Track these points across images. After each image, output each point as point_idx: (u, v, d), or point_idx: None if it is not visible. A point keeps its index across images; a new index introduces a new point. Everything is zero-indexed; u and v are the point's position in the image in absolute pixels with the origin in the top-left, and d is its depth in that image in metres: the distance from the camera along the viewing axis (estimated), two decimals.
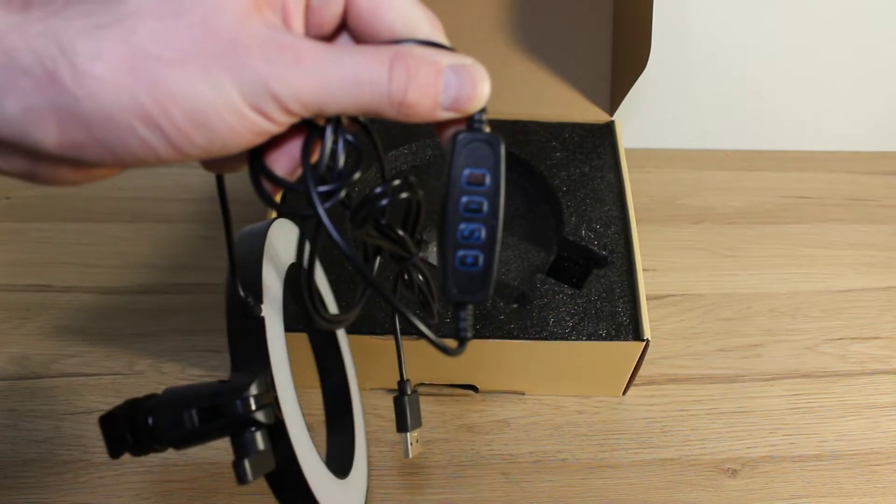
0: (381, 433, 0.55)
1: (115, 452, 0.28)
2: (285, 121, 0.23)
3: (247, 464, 0.27)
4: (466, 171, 0.25)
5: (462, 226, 0.25)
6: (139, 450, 0.28)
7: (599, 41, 0.67)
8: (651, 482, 0.53)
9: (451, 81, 0.24)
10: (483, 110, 0.26)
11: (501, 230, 0.26)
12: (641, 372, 0.55)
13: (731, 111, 0.78)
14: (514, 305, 0.54)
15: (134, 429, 0.28)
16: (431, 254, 0.58)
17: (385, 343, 0.51)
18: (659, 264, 0.67)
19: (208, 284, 0.64)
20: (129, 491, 0.51)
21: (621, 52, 0.65)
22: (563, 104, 0.67)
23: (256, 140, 0.23)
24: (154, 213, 0.69)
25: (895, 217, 0.73)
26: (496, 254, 0.26)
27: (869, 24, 0.71)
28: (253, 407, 0.28)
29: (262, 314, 0.32)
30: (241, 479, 0.27)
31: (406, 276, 0.33)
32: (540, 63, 0.67)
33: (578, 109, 0.67)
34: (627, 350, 0.52)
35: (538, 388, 0.57)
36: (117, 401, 0.57)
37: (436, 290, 0.34)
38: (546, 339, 0.52)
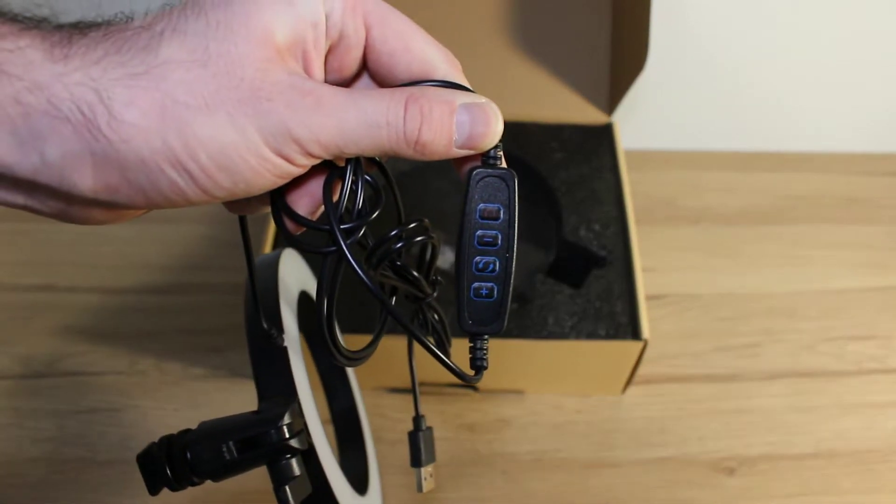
0: (382, 433, 0.55)
1: (153, 489, 0.29)
2: (306, 163, 0.24)
3: (288, 490, 0.28)
4: (481, 206, 0.27)
5: (477, 258, 0.27)
6: (178, 484, 0.29)
7: (598, 42, 0.68)
8: (649, 480, 0.54)
9: (465, 120, 0.25)
10: (498, 146, 0.27)
11: (515, 262, 0.27)
12: (640, 371, 0.55)
13: (730, 112, 0.78)
14: (514, 305, 0.54)
15: (172, 464, 0.29)
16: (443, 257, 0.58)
17: (386, 343, 0.52)
18: (657, 264, 0.68)
19: (210, 284, 0.64)
20: (131, 489, 0.52)
21: (620, 53, 0.66)
22: (562, 105, 0.67)
23: (278, 182, 0.24)
24: (156, 214, 0.69)
25: (892, 217, 0.73)
26: (510, 285, 0.27)
27: (868, 24, 0.71)
28: (287, 435, 0.29)
29: (285, 343, 0.33)
30: (282, 502, 0.28)
31: (421, 316, 0.34)
32: (539, 64, 0.68)
33: (577, 111, 0.67)
34: (626, 349, 0.53)
35: (538, 387, 0.58)
36: (120, 399, 0.58)
37: (450, 329, 0.35)
38: (545, 338, 0.52)
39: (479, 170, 0.26)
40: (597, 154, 0.65)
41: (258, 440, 0.29)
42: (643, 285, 0.55)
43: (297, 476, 0.29)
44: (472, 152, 0.26)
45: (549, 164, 0.64)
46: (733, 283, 0.67)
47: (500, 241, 0.27)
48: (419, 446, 0.38)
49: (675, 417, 0.57)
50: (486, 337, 0.28)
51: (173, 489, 0.29)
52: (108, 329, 0.61)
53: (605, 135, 0.66)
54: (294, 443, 0.29)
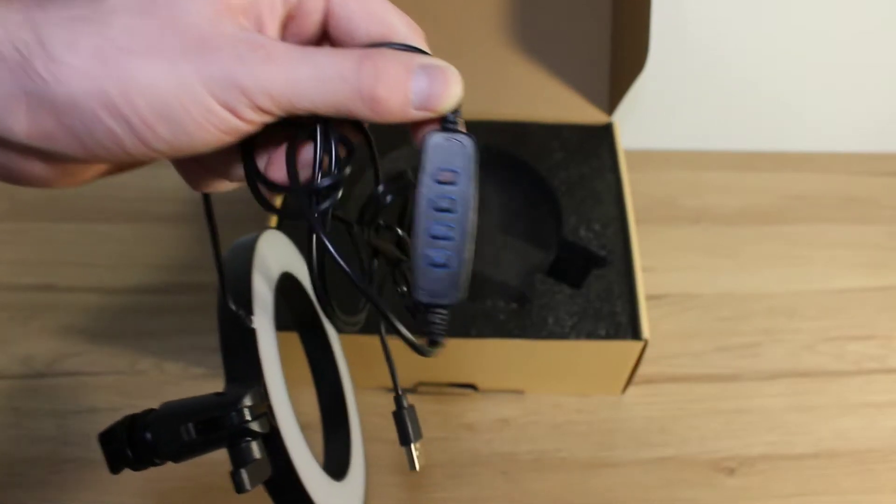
0: (381, 432, 0.55)
1: (114, 468, 0.29)
2: (256, 118, 0.23)
3: (244, 473, 0.28)
4: (438, 170, 0.25)
5: (432, 225, 0.25)
6: (139, 464, 0.29)
7: (598, 42, 0.68)
8: (649, 480, 0.54)
9: (422, 80, 0.24)
10: (457, 112, 0.26)
11: (474, 230, 0.25)
12: (640, 371, 0.55)
13: (730, 112, 0.78)
14: (514, 305, 0.54)
15: (133, 444, 0.29)
16: None
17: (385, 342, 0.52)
18: (657, 264, 0.68)
19: (210, 284, 0.64)
20: (131, 489, 0.52)
21: (620, 53, 0.66)
22: (563, 105, 0.67)
23: (225, 139, 0.24)
24: (156, 214, 0.70)
25: (892, 217, 0.73)
26: (468, 254, 0.25)
27: (867, 24, 0.71)
28: (247, 417, 0.28)
29: (254, 325, 0.33)
30: (238, 487, 0.28)
31: (401, 281, 0.33)
32: (539, 64, 0.68)
33: (577, 110, 0.67)
34: (626, 349, 0.53)
35: (537, 387, 0.58)
36: (120, 400, 0.58)
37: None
38: (545, 338, 0.52)
39: (437, 133, 0.25)
40: (597, 154, 0.65)
41: (217, 422, 0.28)
42: (643, 285, 0.55)
43: (257, 459, 0.28)
44: (429, 115, 0.25)
45: (549, 164, 0.64)
46: (733, 283, 0.67)
47: (458, 208, 0.25)
48: (405, 424, 0.38)
49: (675, 417, 0.57)
50: (442, 310, 0.26)
51: (135, 469, 0.29)
52: (108, 329, 0.61)
53: (605, 135, 0.66)
54: (254, 426, 0.29)
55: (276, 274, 0.39)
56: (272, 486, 0.32)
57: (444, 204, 0.25)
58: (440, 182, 0.25)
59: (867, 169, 0.78)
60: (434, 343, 0.26)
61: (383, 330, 0.36)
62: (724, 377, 0.60)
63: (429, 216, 0.25)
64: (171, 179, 0.74)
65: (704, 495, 0.53)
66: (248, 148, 0.26)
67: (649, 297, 0.63)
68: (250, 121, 0.23)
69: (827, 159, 0.79)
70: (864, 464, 0.55)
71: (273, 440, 0.31)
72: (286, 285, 0.40)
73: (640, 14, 0.59)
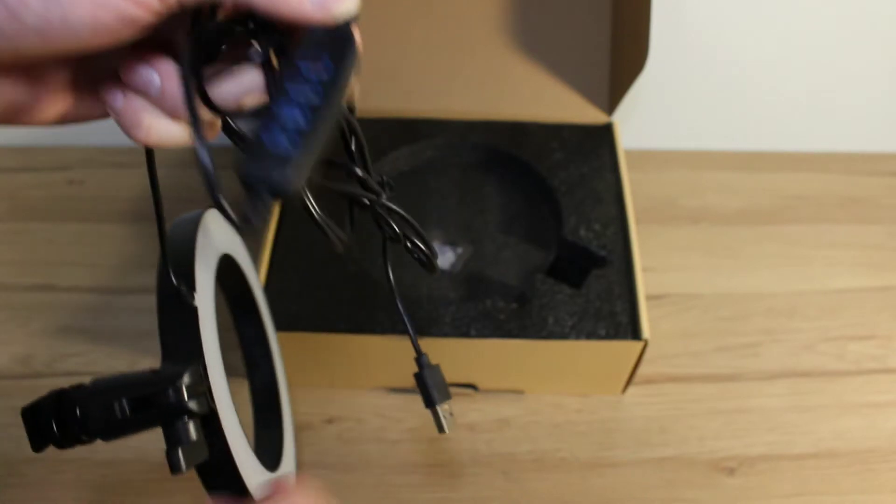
0: (381, 432, 0.55)
1: (38, 445, 0.28)
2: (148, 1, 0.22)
3: (180, 453, 0.27)
4: (310, 56, 0.24)
5: (285, 106, 0.23)
6: (65, 441, 0.28)
7: (598, 42, 0.68)
8: (649, 480, 0.54)
9: None
10: (353, 22, 0.25)
11: (327, 127, 0.23)
12: (640, 371, 0.55)
13: (730, 112, 0.78)
14: (514, 305, 0.54)
15: (61, 420, 0.28)
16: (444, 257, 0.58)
17: (385, 342, 0.52)
18: (658, 264, 0.68)
19: None
20: (131, 490, 0.52)
21: (620, 53, 0.66)
22: (562, 105, 0.67)
23: (113, 27, 0.22)
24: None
25: (892, 217, 0.73)
26: (315, 140, 0.22)
27: (868, 24, 0.71)
28: (185, 396, 0.27)
29: (196, 304, 0.32)
30: (174, 468, 0.26)
31: (387, 230, 0.32)
32: (539, 64, 0.68)
33: (577, 110, 0.67)
34: (626, 349, 0.53)
35: (537, 386, 0.58)
36: None
37: (427, 237, 0.33)
38: (545, 338, 0.52)
39: (322, 29, 0.24)
40: (597, 154, 0.65)
41: (153, 399, 0.27)
42: (643, 285, 0.55)
43: (193, 440, 0.27)
44: (324, 18, 0.24)
45: (549, 164, 0.64)
46: (733, 283, 0.67)
47: (317, 93, 0.23)
48: (427, 384, 0.36)
49: (675, 417, 0.57)
50: (266, 192, 0.22)
51: (60, 447, 0.28)
52: (109, 329, 0.61)
53: (605, 135, 0.66)
54: (192, 405, 0.27)
55: (216, 255, 0.37)
56: (206, 470, 0.30)
57: (307, 91, 0.23)
58: (309, 69, 0.23)
59: (867, 169, 0.78)
60: (246, 221, 0.22)
61: (389, 269, 0.35)
62: (724, 377, 0.60)
63: (285, 97, 0.23)
64: (172, 179, 0.74)
65: (704, 495, 0.53)
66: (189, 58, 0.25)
67: (649, 297, 0.63)
68: (143, 4, 0.22)
69: (827, 159, 0.79)
70: (864, 464, 0.55)
71: (211, 422, 0.29)
72: (225, 267, 0.39)
73: (640, 14, 0.59)
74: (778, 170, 0.78)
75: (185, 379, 0.28)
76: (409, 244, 0.34)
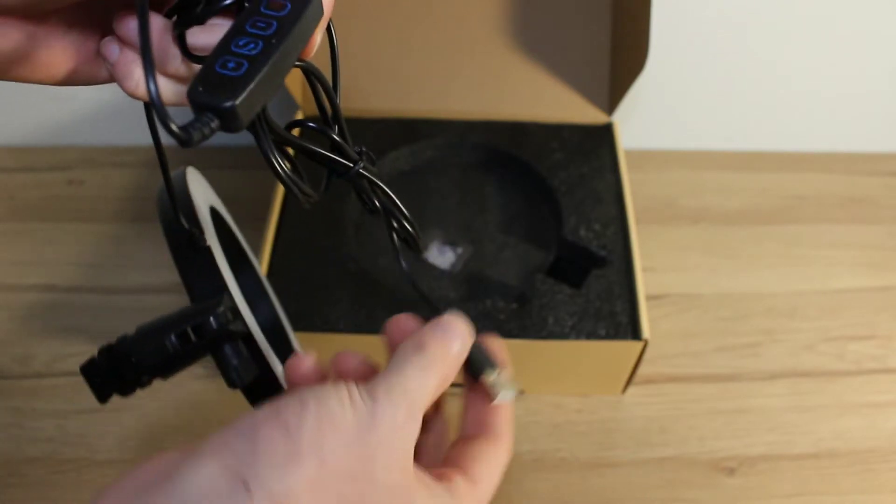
0: None
1: (103, 397, 0.30)
2: None
3: (236, 371, 0.29)
4: (271, 1, 0.25)
5: (240, 39, 0.24)
6: (128, 388, 0.30)
7: (598, 42, 0.68)
8: (649, 480, 0.54)
9: None
10: None
11: (281, 60, 0.24)
12: (640, 371, 0.55)
13: (730, 112, 0.78)
14: (514, 305, 0.54)
15: (117, 369, 0.29)
16: (430, 253, 0.58)
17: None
18: (657, 264, 0.68)
19: None
20: None
21: (620, 53, 0.66)
22: (563, 105, 0.67)
23: None
24: (156, 214, 0.70)
25: (893, 217, 0.73)
26: (263, 68, 0.23)
27: (868, 24, 0.71)
28: (226, 321, 0.29)
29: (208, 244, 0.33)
30: (233, 383, 0.29)
31: (368, 202, 0.32)
32: (539, 64, 0.68)
33: (577, 110, 0.67)
34: (626, 349, 0.53)
35: (537, 386, 0.58)
36: (120, 399, 0.57)
37: (408, 213, 0.33)
38: (545, 338, 0.52)
39: None
40: (597, 154, 0.65)
41: (199, 330, 0.29)
42: (643, 285, 0.55)
43: (244, 359, 0.29)
44: None
45: (549, 164, 0.64)
46: (733, 282, 0.67)
47: (272, 28, 0.24)
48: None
49: (675, 417, 0.57)
50: (211, 113, 0.23)
51: (124, 394, 0.30)
52: (109, 329, 0.60)
53: (605, 135, 0.66)
54: (234, 327, 0.29)
55: (206, 205, 0.39)
56: (252, 387, 0.32)
57: (261, 23, 0.24)
58: (267, 8, 0.24)
59: (867, 169, 0.78)
60: (188, 136, 0.22)
61: (396, 241, 0.35)
62: (724, 377, 0.60)
63: (240, 32, 0.24)
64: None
65: (704, 495, 0.53)
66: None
67: (649, 297, 0.63)
68: None
69: (827, 159, 0.79)
70: (864, 464, 0.55)
71: (250, 341, 0.31)
72: (214, 218, 0.40)
73: (640, 14, 0.59)
74: (778, 170, 0.78)
75: (222, 307, 0.30)
76: (393, 223, 0.33)
